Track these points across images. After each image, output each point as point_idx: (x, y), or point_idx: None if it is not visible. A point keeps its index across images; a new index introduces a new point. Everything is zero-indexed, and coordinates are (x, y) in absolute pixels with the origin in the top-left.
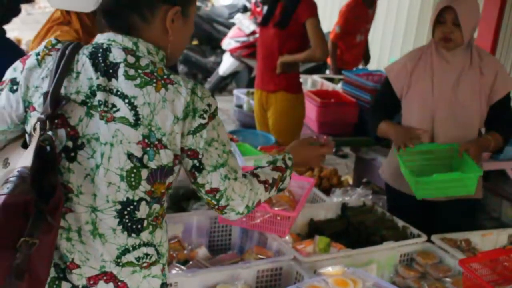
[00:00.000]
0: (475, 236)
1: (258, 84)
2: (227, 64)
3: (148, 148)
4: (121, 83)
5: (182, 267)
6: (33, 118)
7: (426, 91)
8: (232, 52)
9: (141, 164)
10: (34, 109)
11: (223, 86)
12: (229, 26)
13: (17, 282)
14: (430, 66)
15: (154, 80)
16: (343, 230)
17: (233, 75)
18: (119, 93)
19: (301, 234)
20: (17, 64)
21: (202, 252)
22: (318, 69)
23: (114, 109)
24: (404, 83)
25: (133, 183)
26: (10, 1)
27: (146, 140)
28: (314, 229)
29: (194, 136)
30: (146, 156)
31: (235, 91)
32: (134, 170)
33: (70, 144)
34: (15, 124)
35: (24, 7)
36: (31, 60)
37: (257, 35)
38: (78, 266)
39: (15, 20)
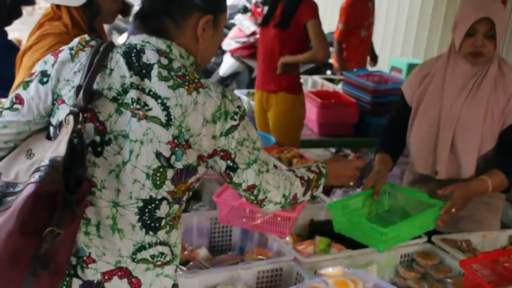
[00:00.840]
0: (476, 237)
1: (259, 84)
2: (227, 65)
3: (176, 149)
4: (154, 84)
5: (183, 267)
6: (61, 110)
7: (432, 111)
8: (233, 52)
9: (168, 164)
10: (63, 102)
11: (223, 86)
12: (229, 26)
13: (41, 270)
14: (439, 82)
15: (186, 83)
16: None
17: (233, 76)
18: (151, 93)
19: (302, 234)
20: (49, 57)
21: (203, 252)
22: (319, 70)
23: (147, 107)
24: (414, 98)
25: (158, 182)
26: (12, 3)
27: (175, 141)
28: (314, 229)
29: (227, 137)
30: (173, 157)
31: (235, 92)
32: (161, 170)
33: (97, 138)
34: (41, 116)
35: (24, 8)
36: (64, 54)
37: (257, 36)
38: (94, 261)
39: (15, 21)
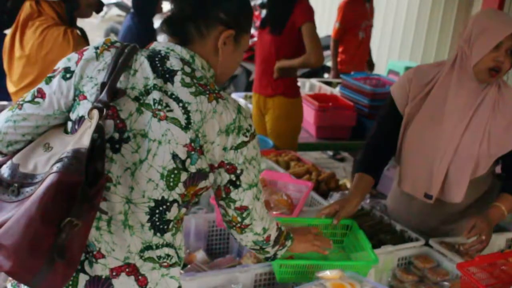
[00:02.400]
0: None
1: (256, 88)
2: None
3: (192, 152)
4: (177, 88)
5: (181, 270)
6: (82, 106)
7: (422, 130)
8: None
9: (182, 167)
10: (85, 98)
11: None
12: None
13: (58, 260)
14: (438, 100)
15: (208, 92)
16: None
17: (231, 79)
18: (174, 96)
19: None
20: (73, 55)
21: (200, 255)
22: (316, 73)
23: (168, 108)
24: (406, 108)
25: (171, 184)
26: (13, 5)
27: (192, 144)
28: None
29: (236, 152)
30: (189, 160)
31: (233, 95)
32: (175, 171)
33: (116, 135)
34: (61, 111)
35: None
36: (89, 52)
37: (255, 39)
38: (103, 256)
39: None
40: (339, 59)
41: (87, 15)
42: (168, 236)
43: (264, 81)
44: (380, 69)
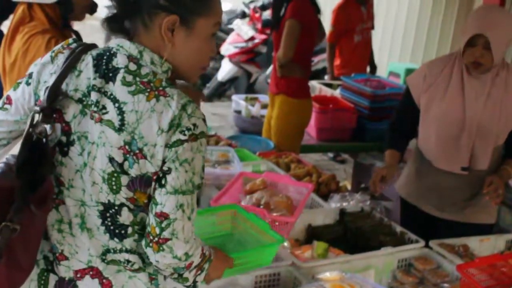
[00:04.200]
0: (473, 242)
1: (269, 86)
2: (226, 70)
3: (128, 155)
4: (116, 88)
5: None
6: None
7: (448, 113)
8: (231, 57)
9: (121, 170)
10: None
11: (222, 91)
12: (228, 32)
13: None
14: (456, 86)
15: (148, 90)
16: (341, 235)
17: (232, 81)
18: (112, 96)
19: (299, 239)
20: (38, 60)
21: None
22: (317, 75)
23: (104, 110)
24: (423, 97)
25: (114, 187)
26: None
27: (127, 147)
28: (312, 234)
29: (170, 150)
30: (126, 163)
31: (234, 97)
32: (115, 175)
33: (64, 139)
34: (27, 116)
35: None
36: (46, 56)
37: (256, 41)
38: (66, 258)
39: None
40: (335, 63)
41: (81, 17)
42: (129, 242)
43: (273, 79)
44: (381, 71)
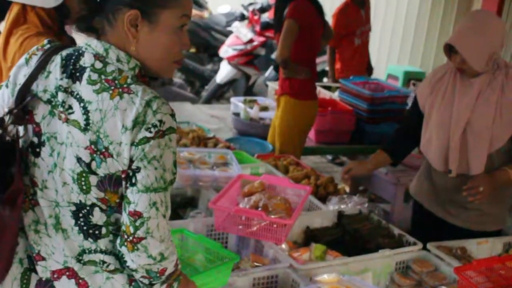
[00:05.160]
0: (471, 244)
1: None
2: (224, 72)
3: (95, 155)
4: (82, 87)
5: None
6: None
7: (444, 116)
8: (230, 60)
9: (89, 170)
10: None
11: (220, 94)
12: (226, 34)
13: None
14: (450, 89)
15: (112, 87)
16: (339, 238)
17: (230, 83)
18: (78, 96)
19: (297, 241)
20: (17, 62)
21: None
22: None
23: (70, 110)
24: (426, 103)
25: (84, 187)
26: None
27: (93, 147)
28: (310, 237)
29: (136, 148)
30: (94, 163)
31: (232, 99)
32: (84, 175)
33: (35, 140)
34: None
35: None
36: (22, 59)
37: (254, 43)
38: (43, 259)
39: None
40: (336, 66)
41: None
42: (104, 242)
43: (280, 80)
44: (379, 74)
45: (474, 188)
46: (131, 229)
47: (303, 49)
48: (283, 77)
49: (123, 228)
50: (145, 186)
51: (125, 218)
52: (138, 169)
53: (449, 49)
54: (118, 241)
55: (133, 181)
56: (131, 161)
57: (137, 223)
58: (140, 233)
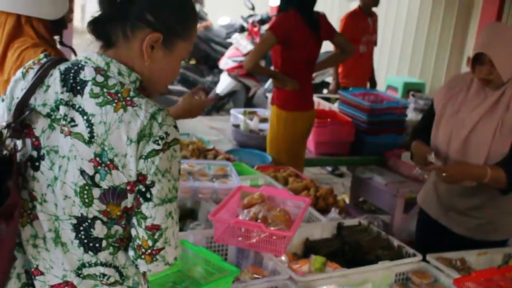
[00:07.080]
0: (470, 255)
1: None
2: (224, 84)
3: (99, 167)
4: (84, 100)
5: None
6: None
7: (450, 127)
8: (230, 71)
9: (92, 183)
10: None
11: (220, 105)
12: (226, 46)
13: None
14: (462, 100)
15: (116, 100)
16: (339, 249)
17: (230, 95)
18: (80, 109)
19: (297, 253)
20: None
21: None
22: (315, 89)
23: (73, 123)
24: (438, 108)
25: (86, 200)
26: None
27: (97, 159)
28: (309, 248)
29: (146, 161)
30: (98, 175)
31: (232, 111)
32: (86, 187)
33: (34, 153)
34: None
35: None
36: (18, 73)
37: None
38: (42, 273)
39: None
40: (339, 70)
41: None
42: (103, 255)
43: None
44: (379, 85)
45: (439, 170)
46: (150, 243)
47: (288, 61)
48: (274, 88)
49: (139, 242)
50: (161, 199)
51: (141, 233)
52: (152, 184)
53: (474, 61)
54: (132, 253)
55: (148, 196)
56: (142, 175)
57: (156, 236)
58: (159, 244)
